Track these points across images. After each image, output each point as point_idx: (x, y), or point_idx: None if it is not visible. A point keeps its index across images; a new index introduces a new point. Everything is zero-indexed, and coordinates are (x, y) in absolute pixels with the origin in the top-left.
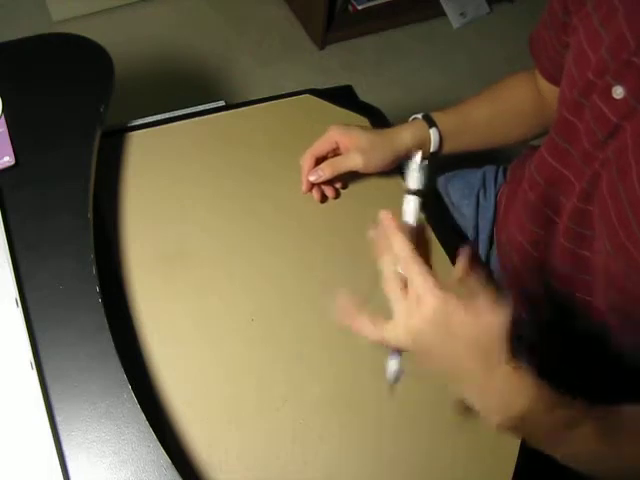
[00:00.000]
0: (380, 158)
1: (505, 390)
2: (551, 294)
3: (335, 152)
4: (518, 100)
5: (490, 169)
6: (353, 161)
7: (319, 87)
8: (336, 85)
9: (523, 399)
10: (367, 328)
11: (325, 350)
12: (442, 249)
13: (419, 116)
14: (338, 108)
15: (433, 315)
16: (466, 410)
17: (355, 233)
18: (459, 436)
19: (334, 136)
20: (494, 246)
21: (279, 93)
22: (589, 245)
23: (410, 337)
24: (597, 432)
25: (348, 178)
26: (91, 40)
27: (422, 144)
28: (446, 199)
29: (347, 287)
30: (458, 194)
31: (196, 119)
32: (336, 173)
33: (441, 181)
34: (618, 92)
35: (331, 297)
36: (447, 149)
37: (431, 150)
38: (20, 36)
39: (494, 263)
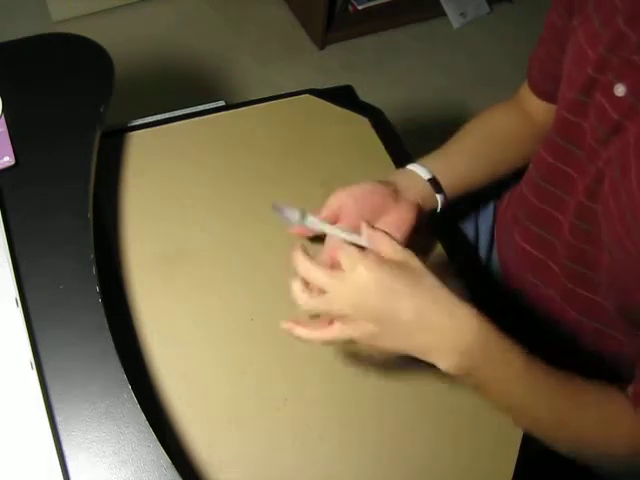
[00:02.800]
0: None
1: (450, 324)
2: (554, 295)
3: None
4: (507, 128)
5: None
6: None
7: (319, 87)
8: (336, 85)
9: (469, 333)
10: (313, 331)
11: (325, 350)
12: (442, 249)
13: (423, 176)
14: (338, 108)
15: (366, 277)
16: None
17: None
18: (459, 436)
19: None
20: (494, 248)
21: (279, 93)
22: (595, 241)
23: (351, 302)
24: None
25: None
26: (91, 40)
27: (424, 208)
28: None
29: None
30: None
31: (196, 119)
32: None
33: None
34: (620, 90)
35: None
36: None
37: (431, 210)
38: (20, 36)
39: (495, 265)
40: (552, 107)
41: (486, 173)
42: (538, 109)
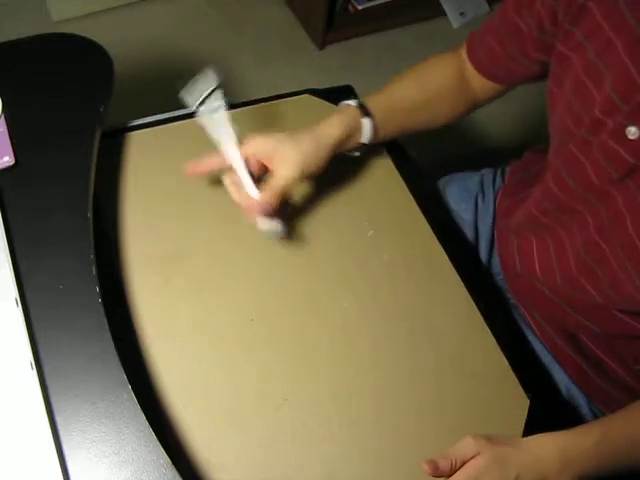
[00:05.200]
0: (314, 165)
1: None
2: (553, 296)
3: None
4: (443, 79)
5: (488, 172)
6: (288, 180)
7: (319, 87)
8: (336, 85)
9: (552, 464)
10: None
11: (325, 350)
12: (443, 250)
13: (352, 103)
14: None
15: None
16: None
17: (355, 231)
18: (459, 436)
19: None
20: (495, 250)
21: (279, 93)
22: (594, 276)
23: None
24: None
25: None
26: (91, 40)
27: (352, 135)
28: (445, 201)
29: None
30: (456, 198)
31: (196, 119)
32: (281, 198)
33: (438, 184)
34: (632, 132)
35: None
36: (379, 137)
37: (362, 141)
38: (20, 36)
39: (495, 267)
40: (494, 85)
41: (409, 115)
42: (476, 79)
